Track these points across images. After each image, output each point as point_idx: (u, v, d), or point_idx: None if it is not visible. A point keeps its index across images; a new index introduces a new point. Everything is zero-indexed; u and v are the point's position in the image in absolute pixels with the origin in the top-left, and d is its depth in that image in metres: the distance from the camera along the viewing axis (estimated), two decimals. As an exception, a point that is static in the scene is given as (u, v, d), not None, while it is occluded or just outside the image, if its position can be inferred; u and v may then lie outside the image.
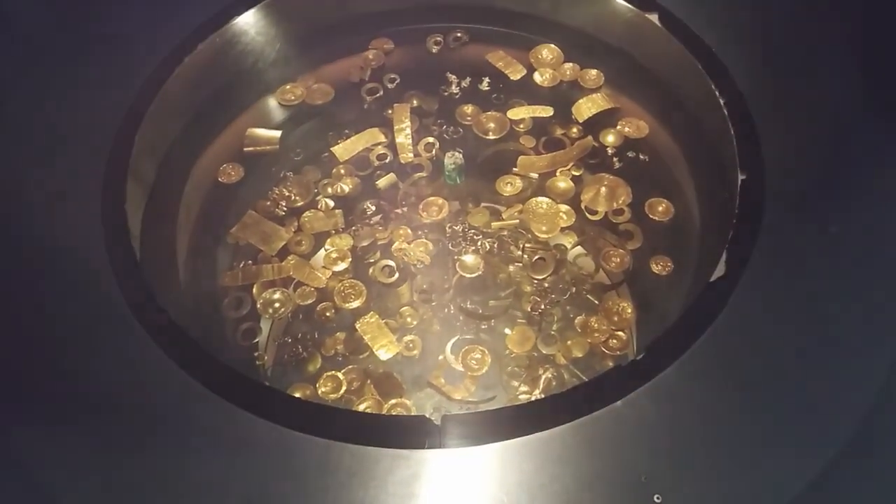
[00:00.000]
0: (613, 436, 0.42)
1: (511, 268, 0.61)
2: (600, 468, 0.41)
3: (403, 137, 0.67)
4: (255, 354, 0.57)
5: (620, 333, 0.56)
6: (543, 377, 0.54)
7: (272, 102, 0.71)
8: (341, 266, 0.60)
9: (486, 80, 0.71)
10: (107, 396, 0.46)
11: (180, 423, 0.45)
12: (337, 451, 0.42)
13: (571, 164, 0.65)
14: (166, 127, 0.64)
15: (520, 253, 0.61)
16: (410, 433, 0.43)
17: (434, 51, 0.74)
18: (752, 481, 0.41)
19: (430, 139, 0.68)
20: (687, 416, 0.43)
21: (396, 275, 0.60)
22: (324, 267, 0.60)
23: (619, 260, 0.60)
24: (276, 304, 0.59)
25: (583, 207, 0.63)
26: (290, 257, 0.61)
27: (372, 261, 0.62)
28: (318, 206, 0.64)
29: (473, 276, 0.60)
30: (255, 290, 0.60)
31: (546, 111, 0.68)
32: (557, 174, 0.65)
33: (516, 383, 0.55)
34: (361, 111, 0.71)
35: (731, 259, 0.49)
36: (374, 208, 0.64)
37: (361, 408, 0.53)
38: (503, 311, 0.59)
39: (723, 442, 0.43)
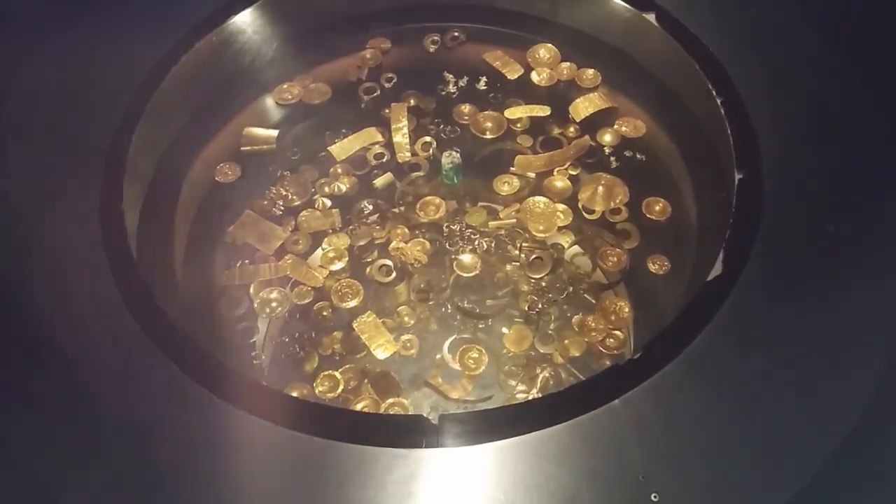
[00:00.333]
0: (611, 435, 0.42)
1: (508, 267, 0.61)
2: (598, 467, 0.41)
3: (401, 137, 0.67)
4: (253, 354, 0.57)
5: (618, 332, 0.56)
6: (541, 376, 0.54)
7: (269, 101, 0.71)
8: (338, 265, 0.60)
9: (484, 79, 0.71)
10: (103, 396, 0.46)
11: (177, 422, 0.45)
12: (334, 450, 0.42)
13: (568, 163, 0.65)
14: (163, 126, 0.63)
15: (517, 252, 0.61)
16: (408, 433, 0.43)
17: (431, 50, 0.74)
18: (750, 480, 0.41)
19: (428, 138, 0.68)
20: (685, 415, 0.43)
21: (394, 274, 0.60)
22: (321, 266, 0.60)
23: (616, 259, 0.60)
24: (274, 304, 0.58)
25: (580, 207, 0.63)
26: (287, 257, 0.61)
27: (369, 260, 0.62)
28: (316, 206, 0.64)
29: (471, 275, 0.60)
30: (252, 289, 0.59)
31: (543, 110, 0.68)
32: (555, 173, 0.65)
33: (513, 382, 0.55)
34: (358, 110, 0.71)
35: (728, 258, 0.49)
36: (371, 207, 0.64)
37: (359, 407, 0.53)
38: (500, 310, 0.59)
39: (720, 441, 0.43)
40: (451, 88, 0.71)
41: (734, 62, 0.59)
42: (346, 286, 0.59)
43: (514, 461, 0.42)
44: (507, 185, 0.65)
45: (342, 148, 0.67)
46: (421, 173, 0.66)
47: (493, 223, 0.63)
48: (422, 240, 0.62)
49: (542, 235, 0.62)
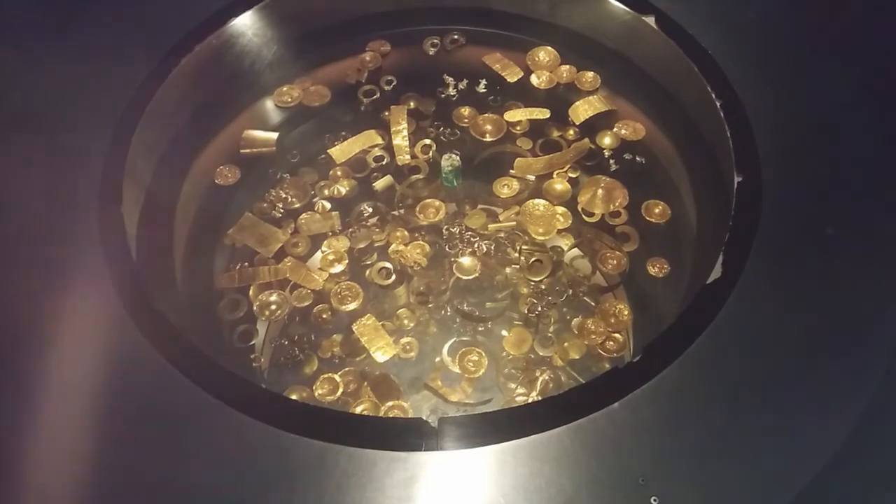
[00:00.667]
0: (611, 438, 0.42)
1: (508, 270, 0.61)
2: (598, 470, 0.41)
3: (400, 139, 0.67)
4: (252, 356, 0.57)
5: (617, 335, 0.56)
6: (540, 379, 0.54)
7: (269, 104, 0.71)
8: (338, 268, 0.60)
9: (483, 82, 0.71)
10: (101, 397, 0.46)
11: (175, 425, 0.44)
12: (333, 453, 0.42)
13: (568, 166, 0.65)
14: (163, 128, 0.63)
15: (517, 255, 0.61)
16: (407, 435, 0.43)
17: (431, 53, 0.74)
18: (750, 483, 0.41)
19: (428, 141, 0.68)
20: (685, 418, 0.43)
21: (393, 277, 0.60)
22: (320, 269, 0.60)
23: (615, 262, 0.60)
24: (273, 307, 0.58)
25: (579, 209, 0.63)
26: (286, 259, 0.61)
27: (369, 263, 0.62)
28: (315, 208, 0.64)
29: (470, 277, 0.60)
30: (251, 292, 0.59)
31: (543, 113, 0.68)
32: (554, 176, 0.65)
33: (513, 385, 0.55)
34: (358, 113, 0.71)
35: (727, 261, 0.49)
36: (370, 210, 0.64)
37: (358, 410, 0.53)
38: (500, 313, 0.59)
39: (721, 444, 0.42)
40: (451, 91, 0.71)
41: (733, 65, 0.59)
42: (345, 289, 0.59)
43: (513, 464, 0.42)
44: (506, 187, 0.65)
45: (342, 150, 0.67)
46: (420, 176, 0.66)
47: (492, 226, 0.63)
48: (421, 242, 0.62)
49: (542, 238, 0.62)
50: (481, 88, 0.71)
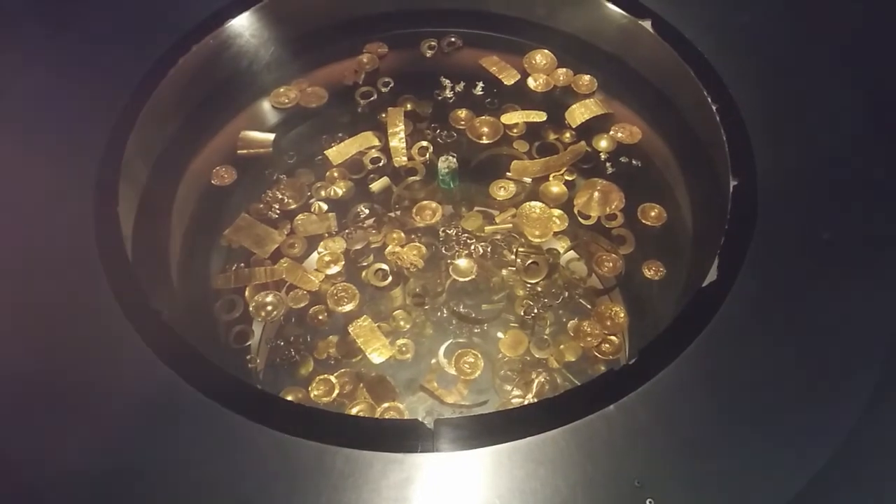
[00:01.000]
0: (607, 440, 0.42)
1: (504, 272, 0.61)
2: (593, 473, 0.41)
3: (397, 141, 0.67)
4: (248, 357, 0.57)
5: (613, 338, 0.56)
6: (536, 381, 0.54)
7: (266, 105, 0.71)
8: (334, 269, 0.60)
9: (480, 84, 0.71)
10: (98, 398, 0.46)
11: (172, 425, 0.44)
12: (330, 454, 0.42)
13: (564, 168, 0.65)
14: (160, 128, 0.63)
15: (513, 257, 0.61)
16: (403, 437, 0.43)
17: (428, 55, 0.74)
18: (745, 486, 0.41)
19: (425, 143, 0.68)
20: (680, 420, 0.43)
21: (390, 278, 0.60)
22: (316, 270, 0.60)
23: (611, 265, 0.60)
24: (269, 307, 0.58)
25: (576, 212, 0.63)
26: (282, 260, 0.61)
27: (365, 264, 0.62)
28: (312, 210, 0.64)
29: (467, 279, 0.60)
30: (247, 292, 0.59)
31: (539, 116, 0.68)
32: (550, 179, 0.65)
33: (509, 387, 0.55)
34: (355, 114, 0.71)
35: (723, 264, 0.49)
36: (367, 212, 0.64)
37: (354, 411, 0.53)
38: (496, 315, 0.59)
39: (716, 447, 0.43)
40: (448, 93, 0.71)
41: (729, 69, 0.59)
42: (341, 290, 0.59)
43: (509, 466, 0.42)
44: (503, 190, 0.65)
45: (339, 152, 0.67)
46: (417, 178, 0.66)
47: (489, 228, 0.63)
48: (418, 244, 0.62)
49: (538, 240, 0.62)
50: (478, 91, 0.71)
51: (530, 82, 0.71)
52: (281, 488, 0.42)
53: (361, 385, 0.55)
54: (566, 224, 0.63)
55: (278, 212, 0.64)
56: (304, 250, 0.62)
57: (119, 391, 0.46)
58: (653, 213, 0.62)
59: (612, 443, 0.42)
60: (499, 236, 0.63)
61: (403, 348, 0.57)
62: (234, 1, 0.67)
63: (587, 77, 0.70)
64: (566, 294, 0.60)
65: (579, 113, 0.68)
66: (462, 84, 0.72)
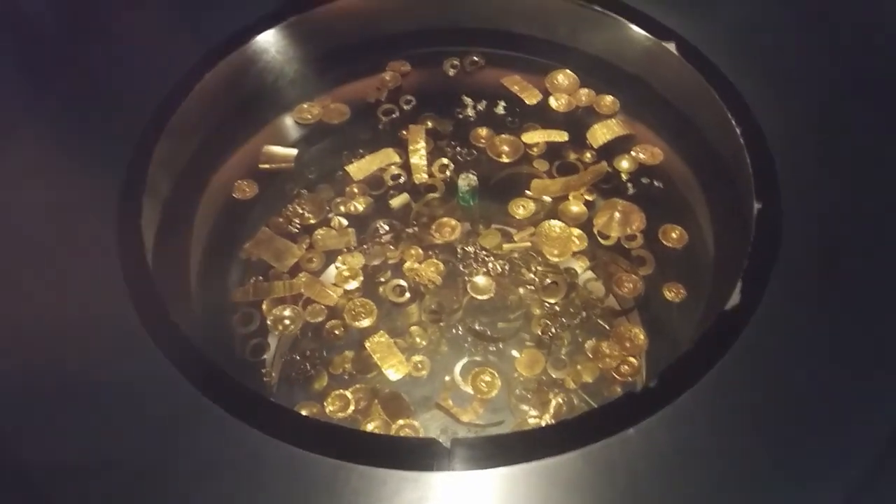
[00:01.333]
0: (625, 464, 0.41)
1: (521, 290, 0.61)
2: (612, 497, 0.40)
3: (418, 158, 0.67)
4: (263, 371, 0.57)
5: (632, 359, 0.55)
6: (553, 402, 0.53)
7: (289, 121, 0.72)
8: (352, 284, 0.60)
9: (502, 103, 0.72)
10: (114, 408, 0.46)
11: (188, 439, 0.44)
12: (345, 471, 0.42)
13: (584, 188, 0.65)
14: (184, 142, 0.64)
15: (531, 276, 0.61)
16: (419, 455, 0.43)
17: (451, 74, 0.74)
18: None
19: (445, 160, 0.68)
20: (700, 445, 0.42)
21: (408, 294, 0.60)
22: (334, 284, 0.60)
23: (631, 285, 0.59)
24: (287, 321, 0.58)
25: (595, 232, 0.63)
26: (301, 274, 0.61)
27: (382, 280, 0.61)
28: (331, 224, 0.64)
29: (485, 297, 0.60)
30: (264, 306, 0.59)
31: (561, 136, 0.68)
32: (570, 198, 0.65)
33: (525, 407, 0.54)
34: (376, 131, 0.71)
35: (746, 288, 0.48)
36: (386, 227, 0.64)
37: (369, 428, 0.53)
38: (513, 333, 0.59)
39: (736, 473, 0.42)
40: (469, 112, 0.72)
41: (753, 92, 0.59)
42: (359, 305, 0.59)
43: (525, 488, 0.41)
44: (522, 208, 0.65)
45: (360, 168, 0.67)
46: (436, 195, 0.66)
47: (507, 246, 0.63)
48: (435, 261, 0.62)
49: (556, 259, 0.62)
50: (500, 110, 0.71)
51: (552, 102, 0.71)
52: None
53: (376, 401, 0.55)
54: (585, 244, 0.62)
55: (298, 226, 0.64)
56: (322, 265, 0.62)
57: (136, 402, 0.46)
58: (674, 235, 0.62)
59: (631, 467, 0.41)
60: (516, 254, 0.62)
61: (419, 365, 0.57)
62: (260, 18, 0.68)
63: (609, 98, 0.70)
64: (584, 314, 0.59)
65: (601, 133, 0.68)
66: (484, 103, 0.72)
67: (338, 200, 0.66)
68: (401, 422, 0.53)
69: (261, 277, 0.61)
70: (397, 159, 0.68)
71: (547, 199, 0.65)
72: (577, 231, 0.63)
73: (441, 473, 0.42)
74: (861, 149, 0.56)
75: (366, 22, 0.73)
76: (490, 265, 0.62)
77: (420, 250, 0.62)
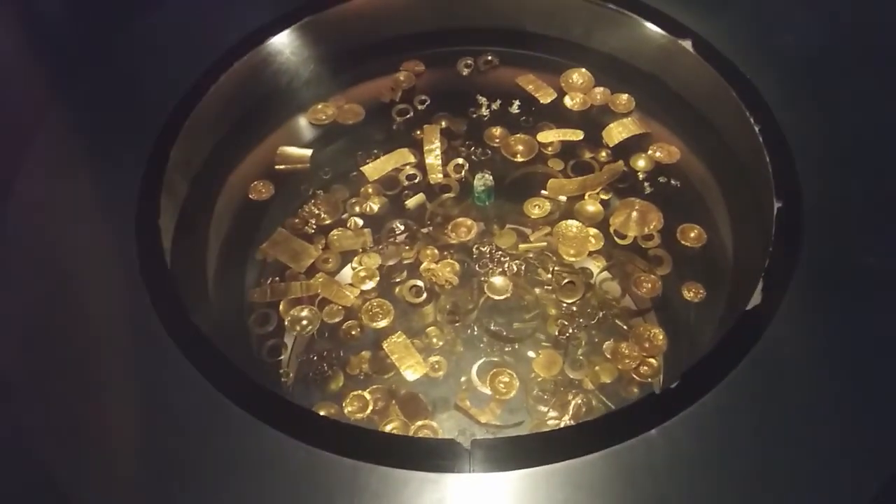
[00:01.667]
0: (648, 465, 0.41)
1: (538, 290, 0.60)
2: (634, 498, 0.40)
3: (433, 158, 0.67)
4: (280, 371, 0.57)
5: (652, 360, 0.55)
6: (573, 403, 0.53)
7: (303, 121, 0.72)
8: (369, 284, 0.60)
9: (517, 103, 0.71)
10: (134, 410, 0.46)
11: (208, 439, 0.44)
12: (365, 472, 0.42)
13: (601, 188, 0.65)
14: (200, 143, 0.64)
15: (548, 276, 0.61)
16: (439, 456, 0.43)
17: (464, 73, 0.74)
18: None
19: (461, 160, 0.68)
20: (724, 445, 0.42)
21: (424, 295, 0.60)
22: (351, 285, 0.60)
23: (650, 285, 0.59)
24: (304, 322, 0.58)
25: (611, 231, 0.63)
26: (318, 275, 0.61)
27: (398, 280, 0.61)
28: (347, 225, 0.64)
29: (502, 297, 0.59)
30: (281, 307, 0.60)
31: (576, 135, 0.68)
32: (586, 198, 0.65)
33: (543, 408, 0.54)
34: (391, 131, 0.71)
35: (767, 287, 0.48)
36: (402, 228, 0.64)
37: (388, 429, 0.53)
38: (529, 334, 0.59)
39: (759, 474, 0.41)
40: (484, 111, 0.71)
41: (772, 90, 0.59)
42: (377, 306, 0.59)
43: (546, 490, 0.41)
44: (537, 208, 0.65)
45: (375, 168, 0.67)
46: (451, 195, 0.66)
47: (522, 246, 0.63)
48: (451, 261, 0.62)
49: (572, 259, 0.61)
50: (514, 109, 0.71)
51: (567, 101, 0.71)
52: (314, 504, 0.41)
53: (393, 402, 0.55)
54: (601, 244, 0.62)
55: (314, 227, 0.64)
56: (338, 265, 0.62)
57: (154, 402, 0.47)
58: (692, 234, 0.61)
59: (654, 468, 0.41)
60: (531, 255, 0.62)
61: (436, 365, 0.56)
62: (275, 19, 0.68)
63: (625, 96, 0.70)
64: (601, 314, 0.59)
65: (617, 132, 0.67)
66: (498, 102, 0.72)
67: (353, 201, 0.66)
68: (419, 423, 0.53)
69: (277, 278, 0.61)
70: (412, 159, 0.68)
71: (562, 198, 0.65)
72: (593, 231, 0.62)
73: (461, 475, 0.42)
74: (883, 146, 0.55)
75: (380, 22, 0.73)
76: (506, 265, 0.61)
77: (436, 250, 0.62)
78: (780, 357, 0.45)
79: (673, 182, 0.65)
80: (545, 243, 0.62)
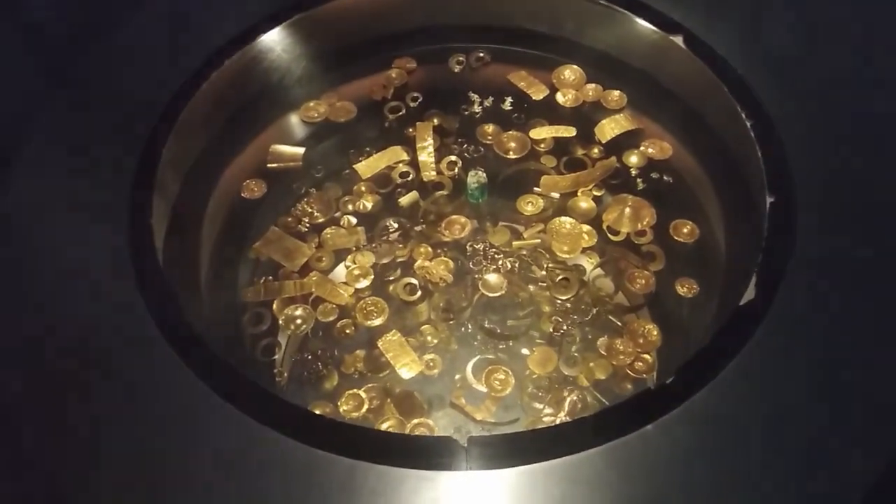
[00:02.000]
0: (645, 461, 0.41)
1: (532, 287, 0.60)
2: (631, 494, 0.40)
3: (426, 156, 0.67)
4: (275, 371, 0.57)
5: (647, 356, 0.55)
6: (568, 399, 0.53)
7: (295, 119, 0.71)
8: (364, 283, 0.60)
9: (509, 99, 0.71)
10: (127, 408, 0.46)
11: (202, 439, 0.44)
12: (361, 471, 0.42)
13: (593, 184, 0.65)
14: (192, 141, 0.64)
15: (542, 273, 0.61)
16: (436, 454, 0.43)
17: (456, 70, 0.74)
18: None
19: (454, 157, 0.68)
20: (720, 441, 0.42)
21: (419, 293, 0.60)
22: (345, 283, 0.60)
23: (644, 281, 0.59)
24: (298, 321, 0.58)
25: (604, 228, 0.63)
26: (311, 274, 0.60)
27: (392, 278, 0.61)
28: (341, 223, 0.64)
29: (497, 295, 0.59)
30: (275, 306, 0.59)
31: (569, 131, 0.68)
32: (579, 194, 0.65)
33: (539, 405, 0.54)
34: (383, 129, 0.71)
35: (761, 282, 0.48)
36: (395, 226, 0.64)
37: (384, 427, 0.52)
38: (524, 331, 0.59)
39: (756, 469, 0.42)
40: (476, 108, 0.71)
41: (763, 85, 0.59)
42: (371, 304, 0.59)
43: (544, 486, 0.41)
44: (530, 204, 0.65)
45: (368, 166, 0.67)
46: (445, 192, 0.66)
47: (516, 243, 0.63)
48: (445, 259, 0.61)
49: (566, 256, 0.61)
50: (507, 106, 0.71)
51: (559, 97, 0.71)
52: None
53: (389, 400, 0.55)
54: (595, 240, 0.62)
55: (307, 225, 0.64)
56: (332, 264, 0.62)
57: (148, 403, 0.46)
58: (685, 230, 0.61)
59: (651, 464, 0.41)
60: (524, 252, 0.62)
61: (431, 363, 0.56)
62: (266, 17, 0.68)
63: (617, 92, 0.70)
64: (594, 311, 0.59)
65: (609, 128, 0.68)
66: (490, 99, 0.72)
67: (346, 199, 0.66)
68: (415, 421, 0.53)
69: (271, 277, 0.61)
70: (405, 157, 0.68)
71: (555, 195, 0.65)
72: (587, 227, 0.62)
73: (458, 472, 0.42)
74: (875, 140, 0.56)
75: (371, 19, 0.73)
76: (500, 262, 0.61)
77: (430, 248, 0.62)
78: (774, 352, 0.46)
79: (665, 178, 0.65)
80: (539, 240, 0.62)
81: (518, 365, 0.56)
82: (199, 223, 0.62)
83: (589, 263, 0.61)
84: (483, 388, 0.55)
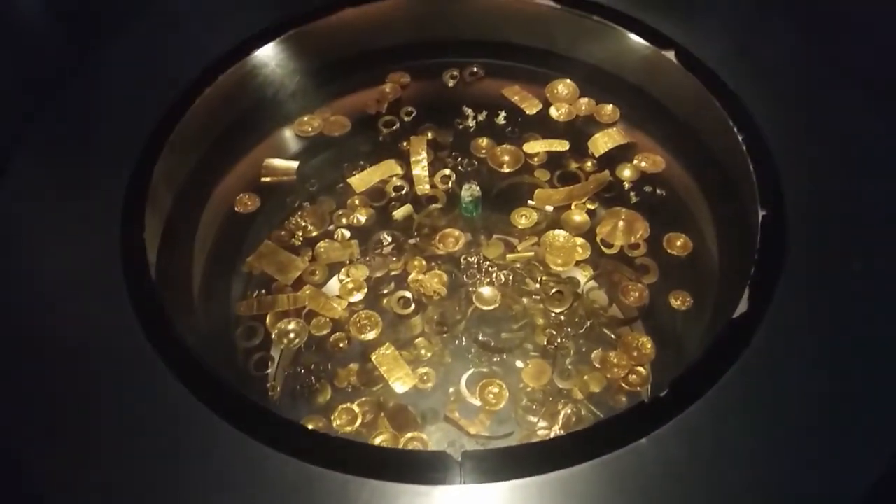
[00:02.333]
0: (639, 475, 0.41)
1: (525, 300, 0.60)
2: (626, 508, 0.40)
3: (420, 169, 0.67)
4: (268, 385, 0.57)
5: (640, 369, 0.55)
6: (563, 413, 0.53)
7: (289, 133, 0.72)
8: (357, 297, 0.60)
9: (503, 114, 0.72)
10: (121, 425, 0.46)
11: (195, 454, 0.44)
12: (355, 486, 0.41)
13: (587, 197, 0.65)
14: (185, 156, 0.64)
15: (536, 286, 0.61)
16: (430, 469, 0.42)
17: (450, 85, 0.75)
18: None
19: (448, 171, 0.68)
20: (714, 453, 0.42)
21: (412, 306, 0.60)
22: (339, 297, 0.60)
23: (637, 294, 0.59)
24: (291, 335, 0.58)
25: (598, 241, 0.63)
26: (305, 287, 0.60)
27: (385, 292, 0.61)
28: (335, 237, 0.64)
29: (491, 308, 0.59)
30: (268, 320, 0.59)
31: (562, 145, 0.68)
32: (573, 207, 0.65)
33: (533, 419, 0.54)
34: (377, 143, 0.71)
35: (753, 295, 0.48)
36: (389, 239, 0.64)
37: (377, 441, 0.52)
38: (519, 344, 0.58)
39: (750, 481, 0.42)
40: (470, 122, 0.72)
41: (754, 99, 0.59)
42: (364, 317, 0.58)
43: (539, 500, 0.41)
44: (524, 218, 0.65)
45: (362, 180, 0.67)
46: (438, 205, 0.66)
47: (510, 256, 0.63)
48: (439, 272, 0.61)
49: (560, 269, 0.62)
50: (500, 120, 0.72)
51: (552, 112, 0.71)
52: (305, 520, 0.41)
53: (382, 414, 0.54)
54: (588, 253, 0.62)
55: (301, 239, 0.64)
56: (325, 278, 0.62)
57: (140, 418, 0.46)
58: (678, 243, 0.62)
59: (645, 477, 0.41)
60: (518, 265, 0.62)
61: (425, 377, 0.56)
62: (260, 31, 0.68)
63: (610, 107, 0.71)
64: (588, 323, 0.59)
65: (602, 142, 0.68)
66: (484, 113, 0.72)
67: (339, 212, 0.66)
68: (409, 435, 0.52)
69: (264, 291, 0.61)
70: (399, 171, 0.68)
71: (549, 208, 0.65)
72: (580, 240, 0.63)
73: (452, 487, 0.42)
74: (865, 153, 0.56)
75: (365, 34, 0.74)
76: (494, 276, 0.61)
77: (423, 261, 0.62)
78: (767, 364, 0.46)
79: (658, 191, 0.66)
80: (532, 253, 0.63)
81: (512, 378, 0.56)
82: (193, 237, 0.62)
83: (583, 276, 0.62)
84: (477, 402, 0.55)
